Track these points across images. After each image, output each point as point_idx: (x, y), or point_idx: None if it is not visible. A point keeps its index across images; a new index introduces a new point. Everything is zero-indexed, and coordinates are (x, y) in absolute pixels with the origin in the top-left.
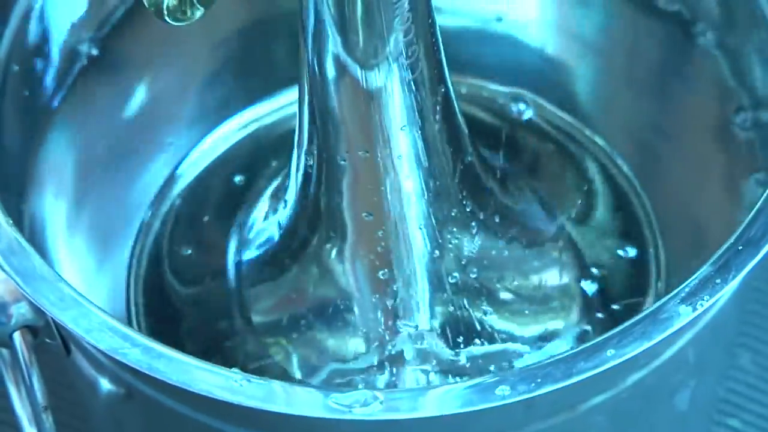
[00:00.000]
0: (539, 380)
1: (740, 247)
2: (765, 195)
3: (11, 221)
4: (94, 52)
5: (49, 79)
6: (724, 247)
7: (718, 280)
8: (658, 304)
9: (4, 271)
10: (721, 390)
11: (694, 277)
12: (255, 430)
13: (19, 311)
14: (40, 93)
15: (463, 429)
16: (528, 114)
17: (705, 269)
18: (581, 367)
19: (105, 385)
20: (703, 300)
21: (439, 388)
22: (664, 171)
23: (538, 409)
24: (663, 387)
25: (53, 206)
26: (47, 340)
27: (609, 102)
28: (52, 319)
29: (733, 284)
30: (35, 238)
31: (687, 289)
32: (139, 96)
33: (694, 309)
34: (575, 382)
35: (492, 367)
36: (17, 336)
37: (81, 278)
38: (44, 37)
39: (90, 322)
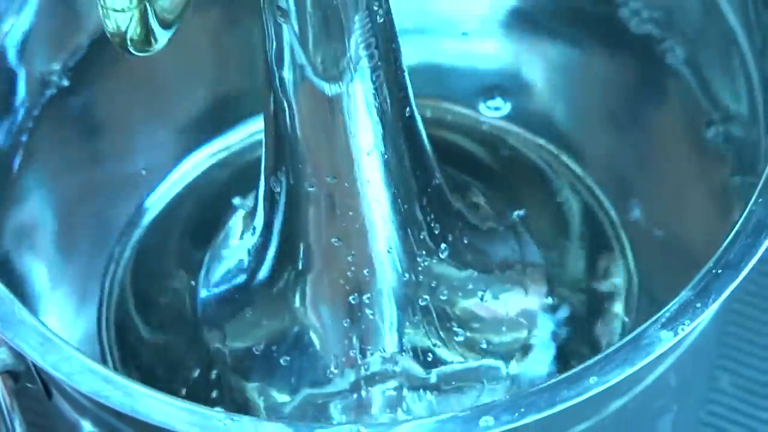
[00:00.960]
0: (523, 410)
1: (719, 271)
2: (743, 217)
3: None
4: (65, 82)
5: (19, 112)
6: (704, 270)
7: (698, 305)
8: (638, 330)
9: None
10: (703, 413)
11: (674, 302)
12: None
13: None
14: (10, 126)
15: None
16: (498, 135)
17: (684, 294)
18: (564, 396)
19: (87, 427)
20: (684, 324)
21: (423, 420)
22: (639, 193)
23: None
24: (645, 412)
25: (31, 248)
26: (28, 385)
27: (581, 124)
28: (32, 363)
29: (713, 308)
30: (14, 282)
31: (667, 314)
32: (108, 128)
33: (676, 333)
34: (559, 411)
35: (464, 385)
36: None
37: (60, 320)
38: (12, 68)
39: (71, 366)
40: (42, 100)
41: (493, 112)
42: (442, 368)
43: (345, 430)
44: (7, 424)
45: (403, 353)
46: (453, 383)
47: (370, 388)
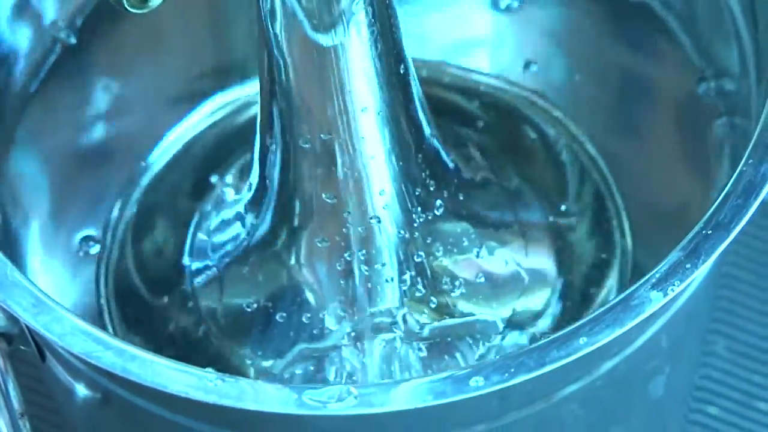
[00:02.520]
0: (513, 370)
1: (709, 231)
2: (733, 178)
3: None
4: (72, 40)
5: (21, 70)
6: (694, 231)
7: (688, 265)
8: (628, 290)
9: None
10: (697, 377)
11: (663, 262)
12: (231, 429)
13: None
14: (12, 85)
15: (439, 421)
16: (493, 94)
17: (674, 254)
18: (554, 356)
19: (81, 390)
20: (674, 285)
21: (413, 381)
22: (632, 153)
23: (512, 400)
24: (637, 374)
25: (26, 210)
26: (22, 347)
27: (576, 85)
28: (25, 325)
29: (704, 269)
30: (7, 243)
31: (657, 275)
32: (107, 89)
33: (665, 294)
34: (549, 371)
35: (458, 339)
36: None
37: (56, 282)
38: (21, 26)
39: (63, 327)
40: (49, 58)
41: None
42: (436, 323)
43: (336, 390)
44: (1, 387)
45: (398, 308)
46: (448, 338)
47: (364, 342)
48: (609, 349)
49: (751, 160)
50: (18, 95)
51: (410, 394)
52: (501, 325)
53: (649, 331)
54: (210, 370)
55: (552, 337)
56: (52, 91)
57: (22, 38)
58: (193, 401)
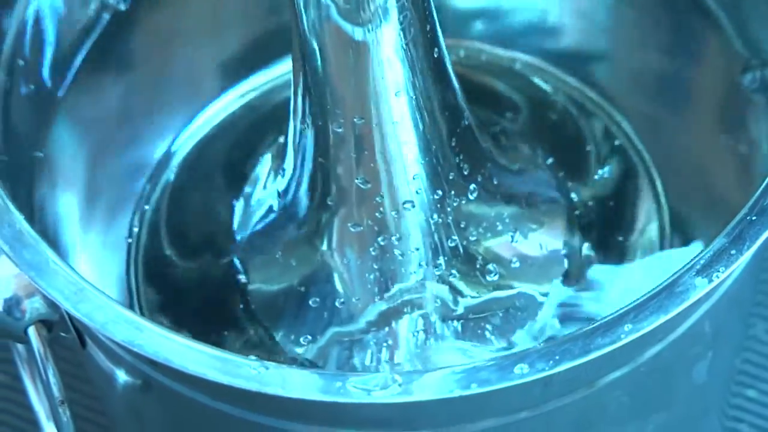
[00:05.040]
0: (557, 357)
1: (754, 218)
2: None
3: (23, 215)
4: (122, 6)
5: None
6: (738, 218)
7: (732, 251)
8: (673, 276)
9: (17, 265)
10: (738, 361)
11: (708, 249)
12: (272, 415)
13: (33, 305)
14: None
15: (481, 408)
16: (530, 76)
17: (719, 241)
18: (599, 343)
19: (121, 376)
20: (719, 272)
21: (456, 368)
22: (671, 138)
23: (555, 387)
24: (680, 360)
25: (64, 195)
26: (62, 334)
27: (616, 66)
28: (66, 312)
29: (748, 254)
30: (46, 229)
31: (702, 261)
32: (142, 69)
33: (710, 281)
34: (593, 359)
35: (492, 316)
36: (32, 331)
37: (91, 265)
38: None
39: (105, 314)
40: (97, 24)
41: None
42: (470, 299)
43: (380, 378)
44: (41, 374)
45: (431, 291)
46: (482, 313)
47: (398, 324)
48: (653, 335)
49: None
50: (63, 62)
51: (454, 382)
52: (539, 304)
53: (693, 317)
54: (253, 357)
55: (596, 324)
56: (97, 60)
57: (72, 4)
58: (234, 388)
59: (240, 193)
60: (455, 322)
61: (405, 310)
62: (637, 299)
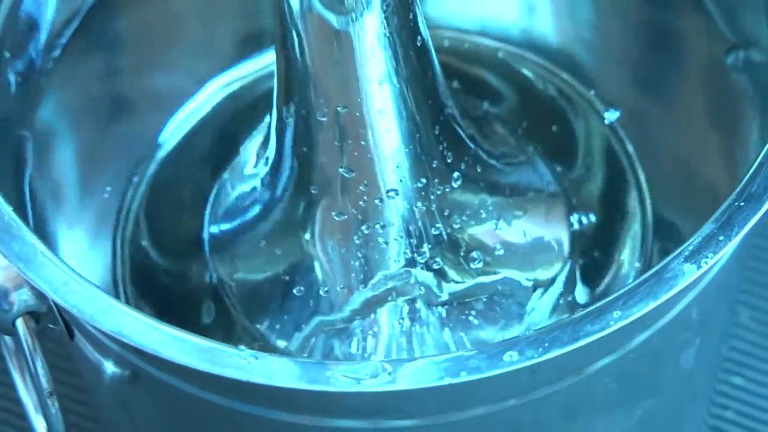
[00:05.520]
0: (547, 344)
1: (742, 203)
2: (766, 148)
3: (11, 206)
4: None
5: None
6: (726, 203)
7: (721, 237)
8: (661, 263)
9: (5, 256)
10: (724, 348)
11: (696, 235)
12: (263, 405)
13: (21, 297)
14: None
15: (470, 396)
16: (513, 64)
17: (707, 226)
18: (588, 330)
19: (109, 368)
20: (707, 258)
21: (446, 356)
22: (654, 125)
23: (544, 374)
24: (668, 347)
25: (53, 186)
26: (50, 326)
27: (600, 55)
28: (54, 303)
29: (736, 241)
30: (36, 220)
31: (690, 248)
32: (127, 60)
33: (699, 267)
34: (582, 346)
35: (476, 302)
36: (20, 323)
37: (75, 257)
38: None
39: (94, 306)
40: (79, 11)
41: None
42: (455, 286)
43: (370, 367)
44: (29, 366)
45: (416, 278)
46: (467, 299)
47: (383, 312)
48: (642, 322)
49: None
50: (49, 46)
51: (443, 370)
52: (524, 289)
53: (681, 303)
54: (242, 347)
55: (585, 311)
56: (83, 46)
57: None
58: (224, 378)
59: (223, 183)
60: (440, 308)
61: (389, 297)
62: (626, 286)
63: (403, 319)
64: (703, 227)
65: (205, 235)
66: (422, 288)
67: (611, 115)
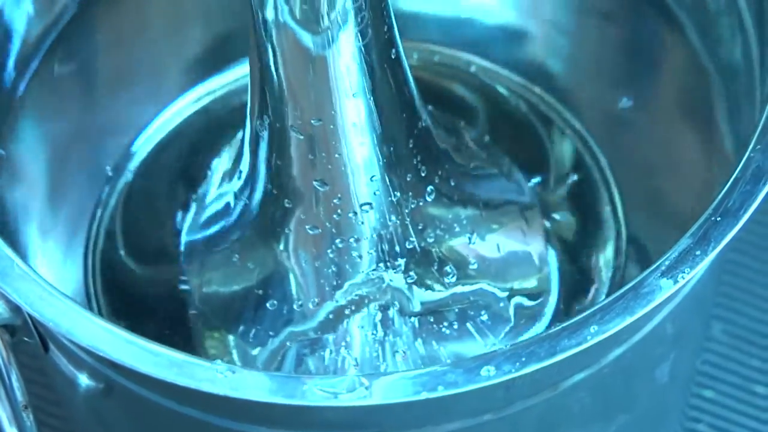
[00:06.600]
0: (524, 359)
1: (718, 218)
2: (741, 163)
3: None
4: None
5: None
6: (702, 218)
7: (697, 252)
8: (638, 278)
9: None
10: (698, 361)
11: (673, 249)
12: (239, 419)
13: None
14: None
15: (446, 411)
16: (485, 79)
17: (684, 241)
18: (565, 345)
19: (84, 380)
20: (684, 272)
21: (422, 370)
22: (628, 139)
23: (519, 389)
24: (644, 361)
25: (24, 198)
26: (25, 339)
27: (573, 68)
28: (30, 317)
29: (713, 255)
30: (8, 233)
31: (667, 263)
32: (100, 73)
33: (675, 282)
34: (559, 360)
35: (449, 311)
36: None
37: (49, 269)
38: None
39: (70, 319)
40: (52, 30)
41: None
42: (428, 296)
43: (346, 381)
44: (4, 378)
45: (390, 290)
46: (440, 310)
47: (356, 323)
48: (618, 337)
49: (759, 146)
50: (24, 60)
51: (420, 384)
52: (498, 300)
53: (656, 318)
54: (219, 362)
55: (562, 325)
56: (58, 59)
57: (24, 12)
58: (198, 392)
59: (195, 196)
60: (413, 319)
61: (362, 309)
62: (602, 301)
63: (376, 328)
64: (680, 242)
65: (179, 247)
66: (396, 301)
67: (583, 128)
